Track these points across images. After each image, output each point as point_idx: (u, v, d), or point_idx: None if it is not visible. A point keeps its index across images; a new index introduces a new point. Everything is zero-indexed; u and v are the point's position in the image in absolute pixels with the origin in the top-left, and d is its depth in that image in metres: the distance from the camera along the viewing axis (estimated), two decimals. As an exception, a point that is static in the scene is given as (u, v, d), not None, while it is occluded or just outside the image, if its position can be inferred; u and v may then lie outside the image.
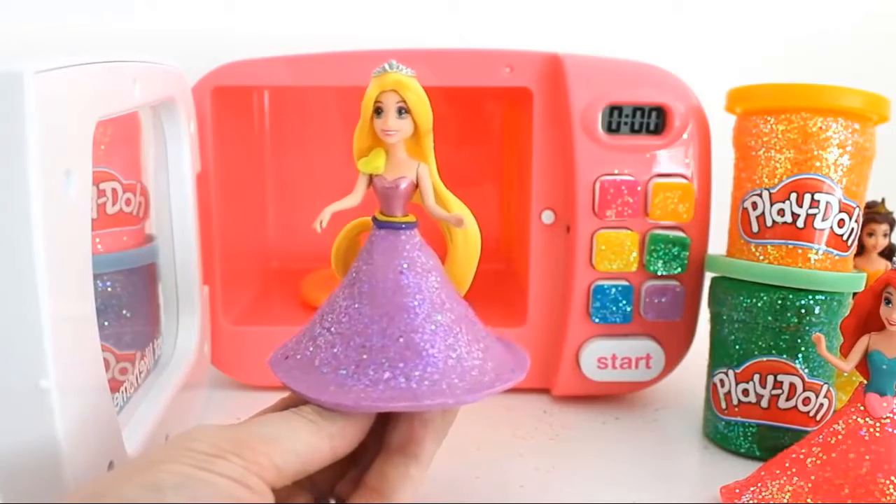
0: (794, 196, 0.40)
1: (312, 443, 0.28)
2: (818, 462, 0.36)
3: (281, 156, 0.62)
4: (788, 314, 0.40)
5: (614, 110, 0.44)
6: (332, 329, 0.31)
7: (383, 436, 0.31)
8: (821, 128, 0.40)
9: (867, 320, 0.36)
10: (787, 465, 0.37)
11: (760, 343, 0.41)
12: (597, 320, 0.45)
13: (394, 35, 0.68)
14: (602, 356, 0.45)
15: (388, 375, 0.29)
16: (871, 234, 0.45)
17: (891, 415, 0.35)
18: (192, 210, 0.45)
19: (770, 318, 0.41)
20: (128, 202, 0.44)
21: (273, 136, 0.61)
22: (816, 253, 0.41)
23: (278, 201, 0.63)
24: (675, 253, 0.44)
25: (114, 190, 0.43)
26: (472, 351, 0.31)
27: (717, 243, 0.46)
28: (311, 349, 0.31)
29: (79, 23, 0.71)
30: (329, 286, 0.54)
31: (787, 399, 0.41)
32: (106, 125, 0.42)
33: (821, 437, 0.36)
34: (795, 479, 0.36)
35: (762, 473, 0.37)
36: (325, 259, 0.59)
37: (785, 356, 0.41)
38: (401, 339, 0.30)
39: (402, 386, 0.29)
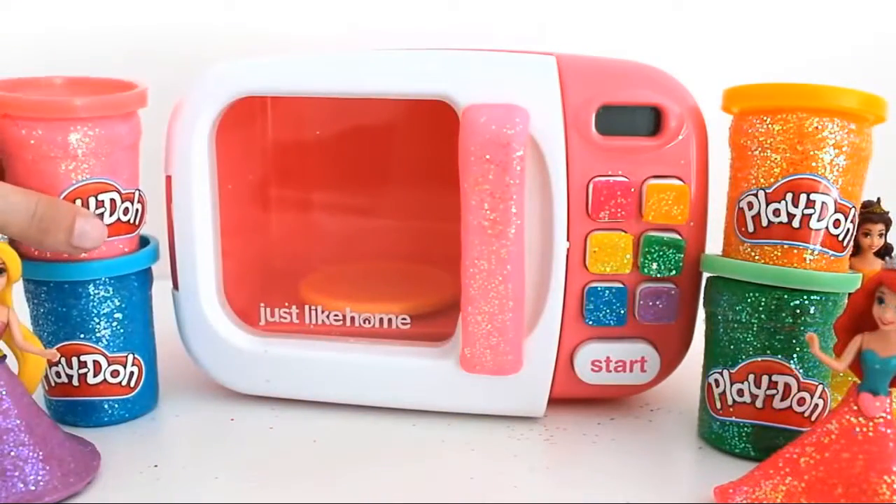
0: (789, 196, 0.40)
1: None
2: (811, 462, 0.36)
3: (282, 155, 0.62)
4: (783, 314, 0.40)
5: (608, 110, 0.44)
6: None
7: None
8: (817, 128, 0.40)
9: (861, 320, 0.36)
10: (780, 464, 0.37)
11: (755, 343, 0.41)
12: (590, 322, 0.45)
13: (393, 35, 0.68)
14: (596, 359, 0.45)
15: None
16: (867, 234, 0.45)
17: (884, 414, 0.35)
18: (193, 210, 0.46)
19: (765, 318, 0.41)
20: (125, 211, 0.44)
21: (274, 135, 0.62)
22: (812, 253, 0.41)
23: (279, 201, 0.63)
24: (670, 255, 0.44)
25: (112, 200, 0.43)
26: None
27: (715, 243, 0.46)
28: None
29: (78, 24, 0.72)
30: (329, 287, 0.55)
31: (782, 399, 0.41)
32: (109, 136, 0.43)
33: (814, 436, 0.36)
34: (789, 478, 0.36)
35: (756, 473, 0.37)
36: (325, 259, 0.60)
37: (780, 356, 0.41)
38: None
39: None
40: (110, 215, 0.43)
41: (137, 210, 0.45)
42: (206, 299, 0.48)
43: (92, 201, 0.42)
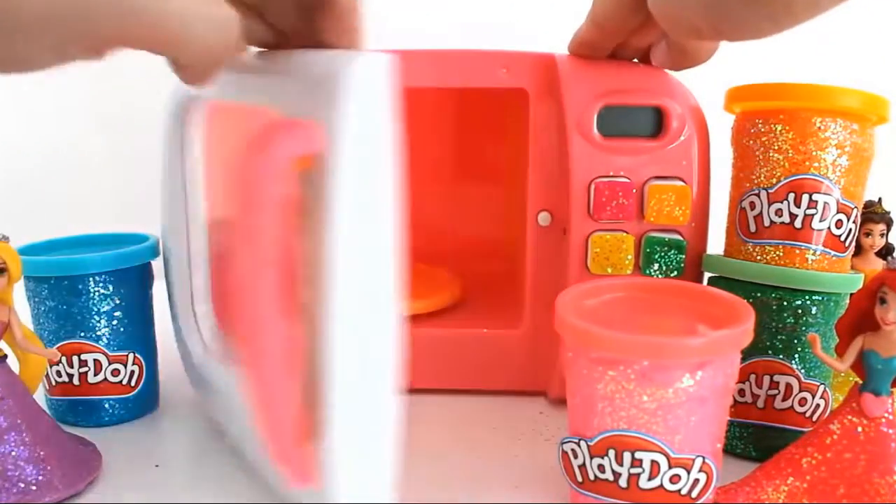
0: (791, 196, 0.40)
1: None
2: (813, 462, 0.36)
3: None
4: (785, 314, 0.40)
5: (610, 111, 0.44)
6: None
7: None
8: (819, 128, 0.40)
9: (862, 320, 0.36)
10: (782, 465, 0.37)
11: (757, 343, 0.41)
12: (592, 322, 0.45)
13: (394, 35, 0.68)
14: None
15: None
16: (868, 234, 0.45)
17: (886, 414, 0.35)
18: (195, 209, 0.46)
19: (767, 318, 0.41)
20: None
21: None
22: (814, 253, 0.41)
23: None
24: (672, 255, 0.44)
25: None
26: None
27: (716, 243, 0.46)
28: None
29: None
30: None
31: (784, 399, 0.41)
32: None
33: (816, 437, 0.36)
34: (791, 479, 0.36)
35: (758, 474, 0.37)
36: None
37: (781, 356, 0.41)
38: None
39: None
40: None
41: None
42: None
43: None
